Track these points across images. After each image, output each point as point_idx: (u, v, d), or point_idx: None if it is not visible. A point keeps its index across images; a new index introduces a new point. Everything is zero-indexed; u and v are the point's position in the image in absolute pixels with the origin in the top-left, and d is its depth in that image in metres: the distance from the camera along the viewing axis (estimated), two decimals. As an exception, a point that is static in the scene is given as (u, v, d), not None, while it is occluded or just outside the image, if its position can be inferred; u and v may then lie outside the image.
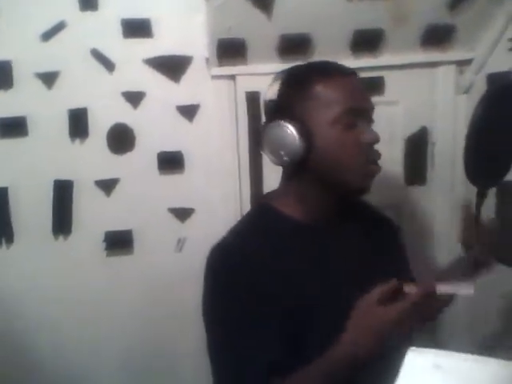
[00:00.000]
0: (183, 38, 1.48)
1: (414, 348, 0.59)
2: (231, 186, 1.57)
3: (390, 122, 1.50)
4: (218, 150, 1.56)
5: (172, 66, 1.50)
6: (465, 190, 1.55)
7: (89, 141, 1.51)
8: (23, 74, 1.45)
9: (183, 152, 1.55)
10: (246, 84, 1.51)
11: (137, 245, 1.57)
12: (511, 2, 1.41)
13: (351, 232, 1.11)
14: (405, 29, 1.44)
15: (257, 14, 1.37)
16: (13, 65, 1.44)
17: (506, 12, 1.42)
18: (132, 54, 1.47)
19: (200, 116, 1.54)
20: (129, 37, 1.47)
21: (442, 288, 0.86)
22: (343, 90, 1.00)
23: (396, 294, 0.86)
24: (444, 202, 1.63)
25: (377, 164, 1.03)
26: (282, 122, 0.99)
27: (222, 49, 1.44)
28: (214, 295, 1.03)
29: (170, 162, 1.54)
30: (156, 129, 1.52)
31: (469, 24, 1.46)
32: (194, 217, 1.59)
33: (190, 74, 1.51)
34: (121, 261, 1.57)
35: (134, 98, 1.50)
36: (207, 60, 1.50)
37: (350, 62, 1.39)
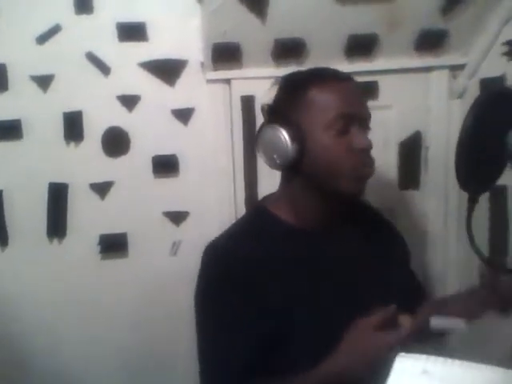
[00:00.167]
0: (178, 42, 1.49)
1: (403, 354, 0.60)
2: (226, 189, 1.58)
3: (384, 127, 1.51)
4: (212, 154, 1.56)
5: (167, 70, 1.50)
6: (458, 194, 1.56)
7: (84, 144, 1.51)
8: (18, 76, 1.44)
9: (178, 155, 1.55)
10: (241, 88, 1.52)
11: (131, 248, 1.57)
12: (504, 7, 1.42)
13: (351, 235, 1.12)
14: (398, 34, 1.45)
15: (251, 19, 1.37)
16: (8, 67, 1.44)
17: (499, 17, 1.43)
18: (127, 58, 1.48)
19: (195, 120, 1.54)
20: (124, 40, 1.47)
21: (436, 323, 0.87)
22: (337, 96, 1.00)
23: (391, 320, 0.87)
24: (437, 206, 1.64)
25: (370, 167, 1.03)
26: (276, 126, 1.00)
27: (217, 53, 1.45)
28: (203, 294, 1.05)
29: (165, 166, 1.55)
30: (151, 132, 1.52)
31: (462, 29, 1.47)
32: (188, 220, 1.59)
33: (185, 78, 1.51)
34: (115, 264, 1.56)
35: (129, 101, 1.50)
36: (202, 64, 1.50)
37: (344, 66, 1.40)
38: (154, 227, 1.57)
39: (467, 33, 1.48)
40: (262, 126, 1.06)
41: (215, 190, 1.58)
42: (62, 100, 1.47)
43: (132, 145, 1.53)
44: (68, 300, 1.55)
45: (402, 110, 1.57)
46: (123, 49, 1.47)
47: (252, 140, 1.52)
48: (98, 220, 1.54)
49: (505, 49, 1.42)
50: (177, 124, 1.54)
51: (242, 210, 1.57)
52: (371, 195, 1.19)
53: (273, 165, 1.04)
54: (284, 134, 0.99)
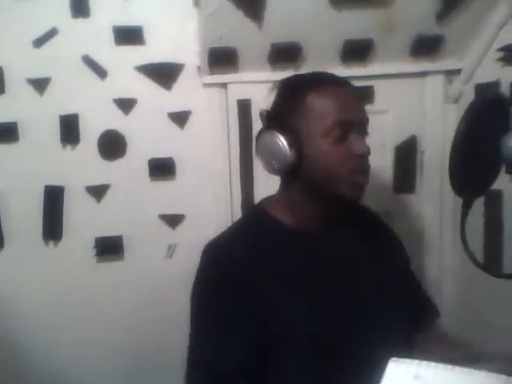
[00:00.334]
0: (175, 46, 1.49)
1: (395, 358, 0.60)
2: (222, 192, 1.58)
3: (380, 131, 1.51)
4: (209, 157, 1.57)
5: (164, 74, 1.50)
6: (453, 198, 1.56)
7: (80, 147, 1.51)
8: (15, 79, 1.45)
9: (174, 159, 1.56)
10: (238, 92, 1.52)
11: (127, 251, 1.57)
12: (499, 13, 1.42)
13: (349, 237, 1.12)
14: (394, 39, 1.46)
15: (248, 23, 1.38)
16: (4, 71, 1.44)
17: (494, 23, 1.43)
18: (124, 61, 1.48)
19: (191, 123, 1.55)
20: (121, 44, 1.47)
21: None
22: (335, 102, 1.00)
23: None
24: (433, 210, 1.65)
25: (365, 175, 1.04)
26: (274, 132, 1.00)
27: (214, 57, 1.45)
28: (200, 294, 1.05)
29: (161, 169, 1.55)
30: (147, 135, 1.53)
31: (457, 34, 1.48)
32: (184, 223, 1.59)
33: (182, 82, 1.52)
34: (111, 267, 1.57)
35: (126, 104, 1.51)
36: (199, 68, 1.50)
37: (340, 71, 1.40)
38: (149, 230, 1.57)
39: (462, 38, 1.49)
40: (261, 131, 1.06)
41: (211, 193, 1.58)
42: (58, 103, 1.48)
43: (128, 148, 1.53)
44: (64, 302, 1.55)
45: (397, 115, 1.57)
46: (120, 52, 1.47)
47: (248, 143, 1.54)
48: (93, 223, 1.54)
49: (500, 54, 1.43)
50: (173, 127, 1.54)
51: (238, 213, 1.57)
52: (367, 199, 1.19)
53: (271, 170, 1.05)
54: (282, 140, 0.99)
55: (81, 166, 1.52)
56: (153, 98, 1.51)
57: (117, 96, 1.50)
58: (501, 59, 1.43)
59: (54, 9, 1.43)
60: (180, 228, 1.59)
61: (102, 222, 1.55)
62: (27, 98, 1.46)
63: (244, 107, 1.53)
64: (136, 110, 1.52)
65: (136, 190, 1.55)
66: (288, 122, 1.02)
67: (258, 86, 1.49)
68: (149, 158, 1.54)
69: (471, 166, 0.90)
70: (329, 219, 1.08)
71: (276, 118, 1.05)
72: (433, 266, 1.67)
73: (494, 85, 1.44)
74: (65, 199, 1.52)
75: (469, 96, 1.52)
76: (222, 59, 1.46)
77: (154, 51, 1.49)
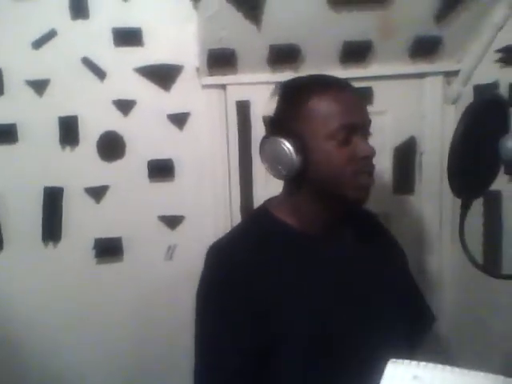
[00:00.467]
0: (174, 48, 1.49)
1: (393, 359, 0.60)
2: (221, 193, 1.58)
3: (379, 132, 1.49)
4: (208, 158, 1.57)
5: (163, 75, 1.50)
6: (452, 199, 1.56)
7: (79, 148, 1.51)
8: (14, 81, 1.45)
9: (174, 160, 1.56)
10: (237, 93, 1.52)
11: (127, 252, 1.57)
12: (497, 14, 1.43)
13: (350, 237, 1.13)
14: (393, 40, 1.46)
15: (247, 25, 1.38)
16: (3, 72, 1.44)
17: (493, 24, 1.44)
18: (123, 63, 1.48)
19: (190, 124, 1.55)
20: (120, 45, 1.47)
21: None
22: (338, 106, 1.00)
23: None
24: (432, 211, 1.65)
25: (370, 176, 1.04)
26: (279, 138, 1.00)
27: (213, 59, 1.46)
28: (204, 297, 1.05)
29: (161, 170, 1.55)
30: (146, 137, 1.53)
31: (456, 36, 1.48)
32: (184, 224, 1.59)
33: (181, 83, 1.52)
34: (110, 268, 1.57)
35: (125, 106, 1.51)
36: (198, 69, 1.51)
37: (339, 72, 1.41)
38: (149, 231, 1.57)
39: (461, 40, 1.49)
40: (265, 137, 1.06)
41: (211, 194, 1.58)
42: (57, 104, 1.48)
43: (127, 149, 1.53)
44: (63, 304, 1.55)
45: (396, 116, 1.58)
46: (119, 54, 1.47)
47: (247, 145, 1.54)
48: (93, 224, 1.55)
49: (498, 55, 1.43)
50: (172, 129, 1.54)
51: (237, 214, 1.57)
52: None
53: (278, 175, 1.04)
54: (288, 146, 0.99)
55: (80, 167, 1.52)
56: (152, 99, 1.51)
57: (116, 97, 1.50)
58: (499, 60, 1.43)
59: (53, 10, 1.43)
60: (179, 229, 1.59)
61: (101, 223, 1.55)
62: (26, 99, 1.46)
63: (243, 108, 1.53)
64: (135, 112, 1.52)
65: (135, 191, 1.55)
66: (292, 126, 1.01)
67: (257, 87, 1.49)
68: (148, 159, 1.54)
69: (470, 168, 0.90)
70: (332, 221, 1.09)
71: (279, 124, 1.04)
72: (432, 267, 1.67)
73: (493, 86, 1.44)
74: (64, 200, 1.52)
75: (467, 97, 1.53)
76: (220, 61, 1.46)
77: (153, 53, 1.49)
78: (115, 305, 1.57)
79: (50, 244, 1.54)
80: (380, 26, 1.42)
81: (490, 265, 1.43)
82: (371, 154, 1.02)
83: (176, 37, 1.48)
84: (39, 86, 1.46)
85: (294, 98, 1.04)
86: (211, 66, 1.47)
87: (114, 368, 1.60)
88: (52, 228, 1.53)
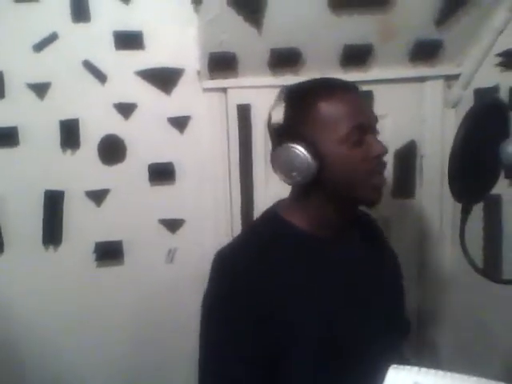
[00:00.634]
0: (175, 51, 1.50)
1: (395, 365, 0.60)
2: (222, 196, 1.58)
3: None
4: (208, 162, 1.57)
5: (164, 78, 1.51)
6: (453, 202, 1.57)
7: (80, 151, 1.51)
8: (15, 84, 1.45)
9: (174, 163, 1.56)
10: (237, 97, 1.52)
11: (127, 256, 1.57)
12: (498, 18, 1.43)
13: (356, 240, 1.14)
14: (393, 44, 1.46)
15: (247, 29, 1.38)
16: (5, 75, 1.44)
17: (493, 28, 1.44)
18: (124, 66, 1.48)
19: (191, 128, 1.55)
20: (121, 49, 1.47)
21: None
22: (347, 108, 1.00)
23: None
24: (432, 215, 1.65)
25: (382, 176, 1.05)
26: (292, 145, 0.99)
27: (214, 62, 1.46)
28: (210, 305, 1.05)
29: (161, 173, 1.55)
30: (147, 140, 1.53)
31: (456, 40, 1.48)
32: (184, 228, 1.59)
33: (182, 87, 1.52)
34: (111, 272, 1.57)
35: (126, 109, 1.51)
36: (198, 73, 1.51)
37: (340, 76, 1.38)
38: (149, 235, 1.57)
39: (461, 43, 1.50)
40: (276, 145, 1.05)
41: (211, 197, 1.58)
42: (58, 108, 1.48)
43: (128, 152, 1.53)
44: (64, 307, 1.55)
45: (396, 120, 1.57)
46: (120, 57, 1.48)
47: (248, 148, 1.54)
48: (93, 227, 1.55)
49: (499, 59, 1.43)
50: (173, 132, 1.54)
51: (237, 218, 1.57)
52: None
53: (292, 182, 1.04)
54: (303, 152, 0.98)
55: (81, 170, 1.52)
56: (153, 102, 1.52)
57: (117, 101, 1.50)
58: (500, 64, 1.43)
59: (55, 13, 1.43)
60: (180, 232, 1.59)
61: (101, 227, 1.55)
62: (27, 102, 1.46)
63: (244, 112, 1.53)
64: (136, 115, 1.52)
65: (136, 194, 1.55)
66: (301, 132, 1.01)
67: (258, 91, 1.50)
68: (149, 162, 1.54)
69: (470, 172, 0.90)
70: (342, 223, 1.09)
71: (288, 131, 1.03)
72: (432, 271, 1.67)
73: (493, 90, 1.45)
74: (65, 204, 1.52)
75: (468, 101, 1.53)
76: (221, 64, 1.46)
77: (154, 56, 1.49)
78: (115, 308, 1.57)
79: (51, 247, 1.54)
80: (380, 29, 1.42)
81: (491, 269, 1.43)
82: (384, 151, 1.02)
83: (177, 40, 1.48)
84: (40, 89, 1.46)
85: (301, 104, 1.03)
86: (212, 69, 1.48)
87: (113, 371, 1.60)
88: (52, 231, 1.53)
